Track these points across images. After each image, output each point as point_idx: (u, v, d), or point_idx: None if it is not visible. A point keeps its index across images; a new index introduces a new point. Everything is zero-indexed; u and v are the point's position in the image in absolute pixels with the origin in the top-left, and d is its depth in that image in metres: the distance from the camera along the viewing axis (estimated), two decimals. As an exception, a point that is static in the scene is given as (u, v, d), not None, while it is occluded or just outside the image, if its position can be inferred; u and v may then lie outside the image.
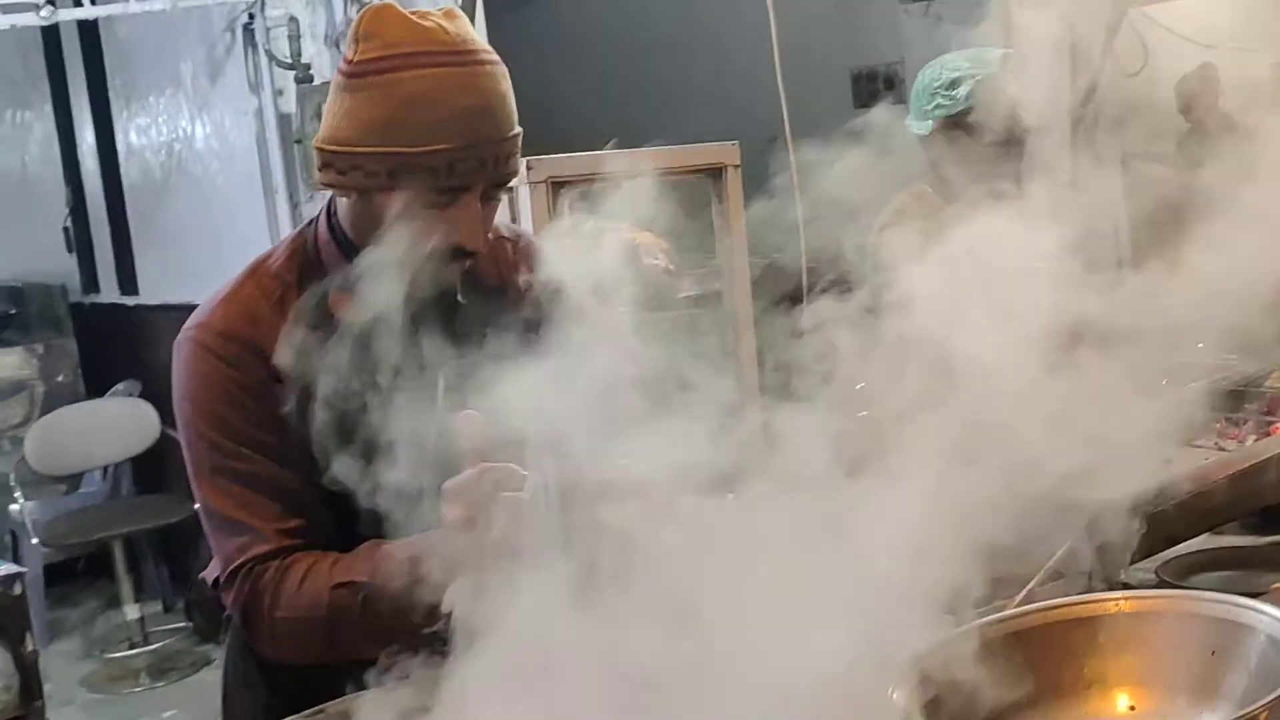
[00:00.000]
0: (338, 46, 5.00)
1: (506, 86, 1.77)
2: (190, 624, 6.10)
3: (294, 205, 5.12)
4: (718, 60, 6.65)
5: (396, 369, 1.83)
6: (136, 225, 6.47)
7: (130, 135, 6.32)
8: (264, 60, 4.99)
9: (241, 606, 1.79)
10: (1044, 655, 1.49)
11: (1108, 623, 1.51)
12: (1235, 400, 2.73)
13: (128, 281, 6.68)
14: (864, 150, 1.97)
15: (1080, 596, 1.60)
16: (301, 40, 4.82)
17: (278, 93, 5.02)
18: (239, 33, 5.11)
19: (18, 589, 2.65)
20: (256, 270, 1.89)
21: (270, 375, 1.78)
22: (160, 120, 5.99)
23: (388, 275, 1.77)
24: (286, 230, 5.04)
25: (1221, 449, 2.59)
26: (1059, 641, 1.50)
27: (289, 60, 4.83)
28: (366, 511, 1.75)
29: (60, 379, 6.70)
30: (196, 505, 1.89)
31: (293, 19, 4.82)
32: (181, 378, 1.86)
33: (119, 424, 5.91)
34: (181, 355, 1.86)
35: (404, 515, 1.77)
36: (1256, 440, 2.56)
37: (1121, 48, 6.98)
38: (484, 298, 1.91)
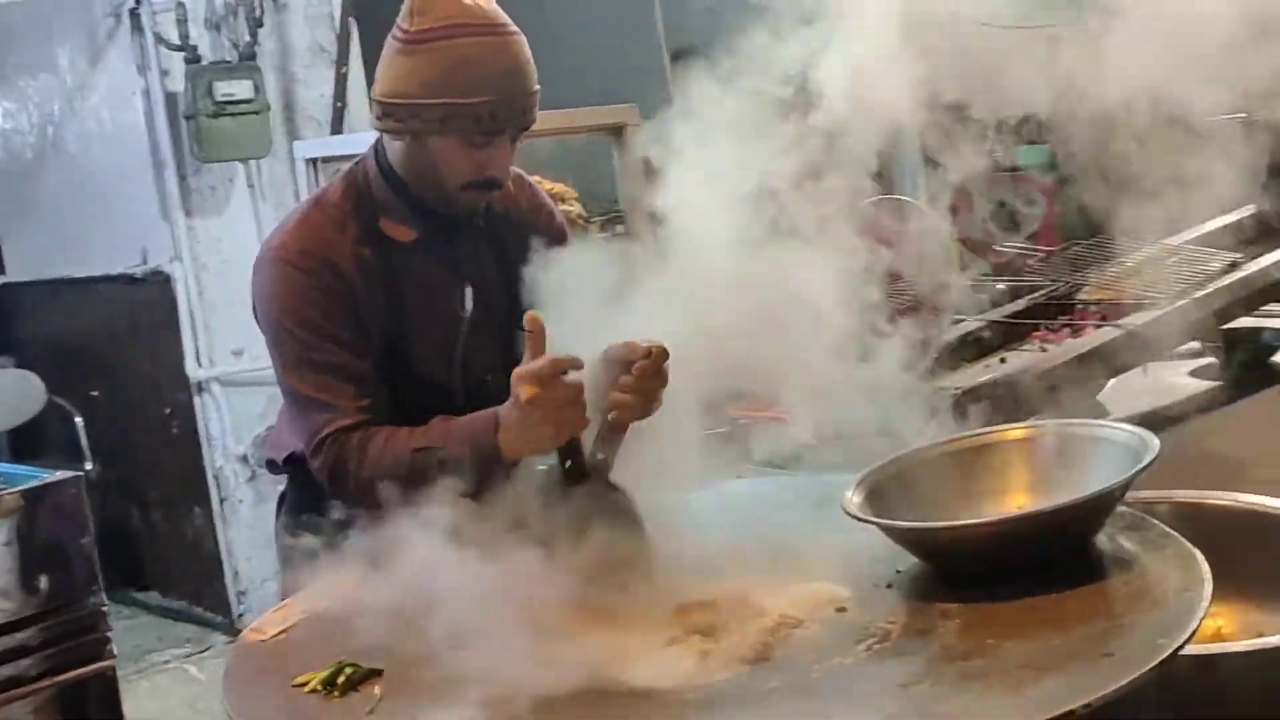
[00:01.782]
0: (219, 29, 5.37)
1: (529, 53, 2.24)
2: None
3: (182, 178, 5.45)
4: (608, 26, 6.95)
5: (435, 279, 2.32)
6: (4, 206, 6.63)
7: (-3, 118, 6.50)
8: (150, 42, 5.31)
9: (329, 470, 2.18)
10: (959, 470, 2.07)
11: (1002, 446, 2.10)
12: (1054, 311, 3.39)
13: (-9, 261, 6.83)
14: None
15: (982, 429, 2.20)
16: (188, 24, 5.18)
17: (164, 73, 5.35)
18: (125, 17, 5.40)
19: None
20: (320, 202, 2.33)
21: (341, 283, 2.23)
22: (31, 104, 6.19)
23: (432, 201, 2.27)
24: (177, 201, 5.42)
25: (1044, 349, 3.23)
26: (969, 460, 2.08)
27: (178, 43, 5.17)
28: (424, 391, 2.24)
29: (-78, 358, 6.82)
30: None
31: (180, 4, 5.17)
32: (266, 289, 2.27)
33: (4, 394, 6.08)
34: (265, 271, 2.28)
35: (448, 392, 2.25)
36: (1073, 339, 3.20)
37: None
38: (498, 221, 2.40)
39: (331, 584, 2.03)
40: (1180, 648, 1.47)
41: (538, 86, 2.25)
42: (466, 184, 2.26)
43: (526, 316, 1.98)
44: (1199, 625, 1.53)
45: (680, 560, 1.93)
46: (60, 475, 3.13)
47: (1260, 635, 2.06)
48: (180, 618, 5.65)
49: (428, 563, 1.97)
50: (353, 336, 2.23)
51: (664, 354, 1.97)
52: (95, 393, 6.25)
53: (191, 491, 5.75)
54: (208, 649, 5.46)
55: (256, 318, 2.34)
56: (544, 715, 1.59)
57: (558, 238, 2.43)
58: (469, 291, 2.35)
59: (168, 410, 5.78)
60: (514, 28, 2.23)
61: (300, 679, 1.71)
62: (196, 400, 5.57)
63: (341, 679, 1.69)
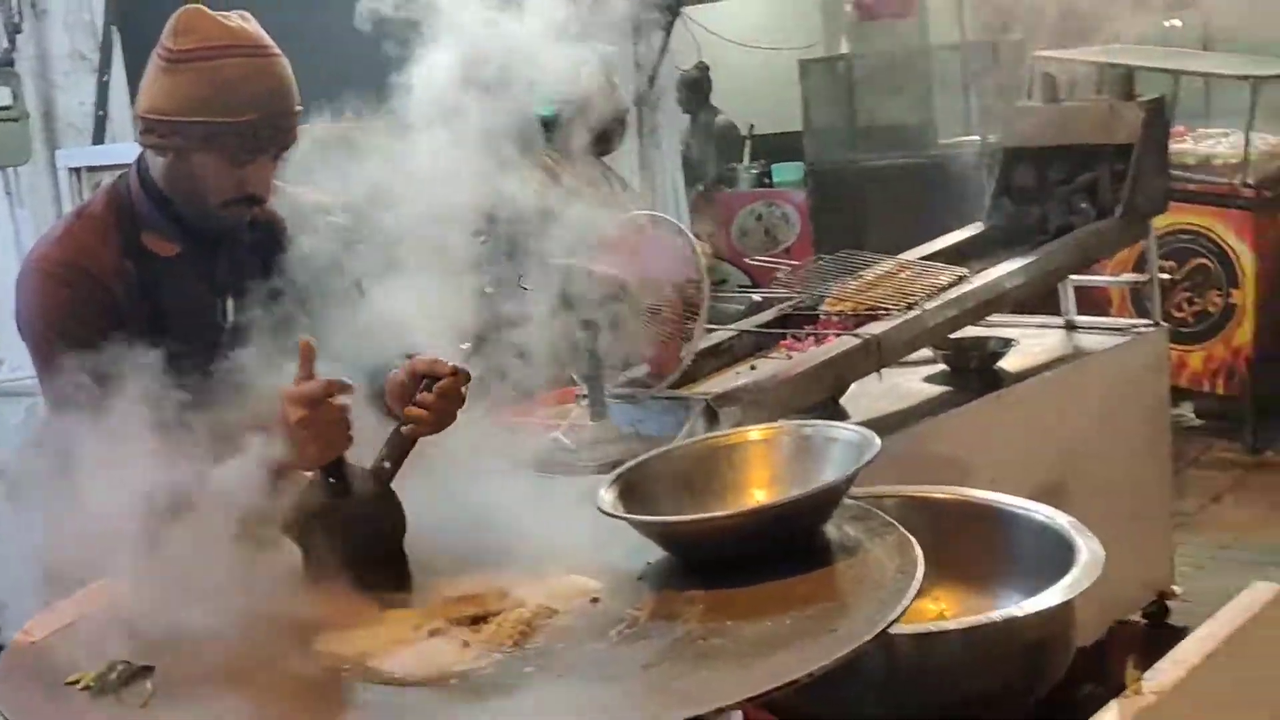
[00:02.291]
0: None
1: (290, 73, 2.31)
2: None
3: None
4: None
5: (196, 292, 2.37)
6: None
7: None
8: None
9: None
10: (704, 469, 2.23)
11: (743, 447, 2.26)
12: (801, 321, 3.60)
13: None
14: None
15: (726, 431, 2.36)
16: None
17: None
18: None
19: None
20: (82, 214, 2.37)
21: (104, 295, 2.27)
22: None
23: (194, 216, 2.32)
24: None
25: (790, 356, 3.43)
26: (713, 459, 2.24)
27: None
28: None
29: None
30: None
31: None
32: (29, 301, 2.30)
33: None
34: (28, 283, 2.30)
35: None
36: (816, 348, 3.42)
37: (677, 45, 7.92)
38: (261, 234, 2.45)
39: (99, 588, 2.07)
40: (893, 622, 1.64)
41: (300, 106, 2.33)
42: (228, 200, 2.32)
43: (301, 342, 2.05)
44: (911, 603, 1.70)
45: (446, 558, 2.04)
46: None
47: (977, 616, 2.27)
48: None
49: (194, 565, 2.05)
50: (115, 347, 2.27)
51: (467, 377, 2.09)
52: None
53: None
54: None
55: (20, 328, 2.35)
56: (304, 704, 1.69)
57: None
58: (230, 304, 2.41)
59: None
60: (276, 49, 2.30)
61: (72, 678, 1.75)
62: (-48, 410, 5.39)
63: (114, 676, 1.73)
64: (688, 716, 1.48)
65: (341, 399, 2.02)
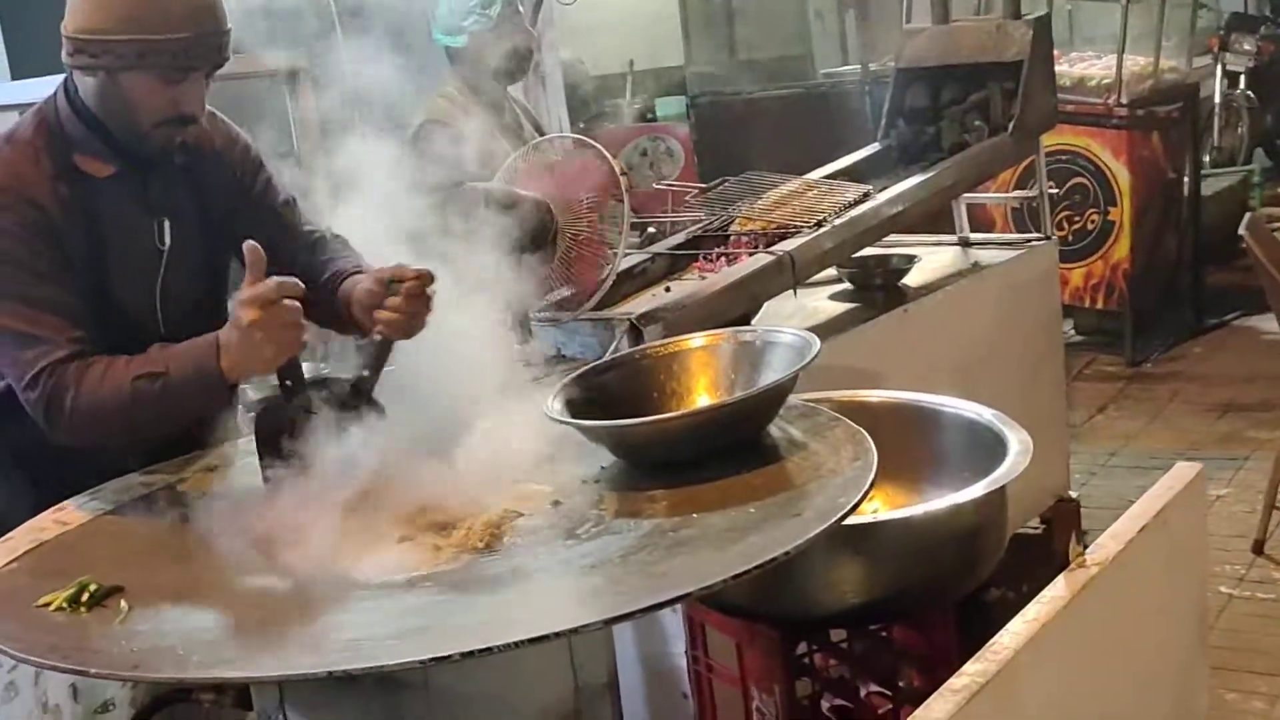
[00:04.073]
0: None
1: None
2: None
3: None
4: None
5: (132, 213, 2.35)
6: None
7: None
8: None
9: (45, 402, 2.16)
10: (646, 378, 2.28)
11: (684, 354, 2.31)
12: (710, 243, 3.65)
13: None
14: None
15: (666, 340, 2.41)
16: None
17: None
18: None
19: None
20: (11, 139, 2.31)
21: (41, 216, 2.23)
22: None
23: (127, 138, 2.30)
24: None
25: (703, 277, 3.48)
26: (656, 367, 2.29)
27: None
28: (126, 325, 2.28)
29: None
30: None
31: None
32: None
33: None
34: None
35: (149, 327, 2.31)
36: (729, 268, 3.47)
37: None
38: (194, 156, 2.44)
39: (51, 514, 2.07)
40: (860, 501, 1.72)
41: (230, 26, 2.31)
42: (161, 121, 2.30)
43: (246, 246, 2.06)
44: (873, 484, 1.77)
45: (415, 469, 2.04)
46: None
47: (911, 510, 2.35)
48: None
49: (146, 483, 2.06)
50: (57, 270, 2.24)
51: (430, 277, 2.12)
52: None
53: None
54: None
55: None
56: (277, 609, 1.72)
57: (253, 169, 2.51)
58: (166, 226, 2.39)
59: None
60: None
61: (43, 599, 1.75)
62: None
63: (85, 596, 1.74)
64: (674, 596, 1.53)
65: (292, 301, 2.02)
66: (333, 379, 2.15)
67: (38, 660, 1.64)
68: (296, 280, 2.05)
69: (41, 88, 2.45)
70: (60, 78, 2.37)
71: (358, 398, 2.11)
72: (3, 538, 2.02)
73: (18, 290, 2.21)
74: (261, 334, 2.02)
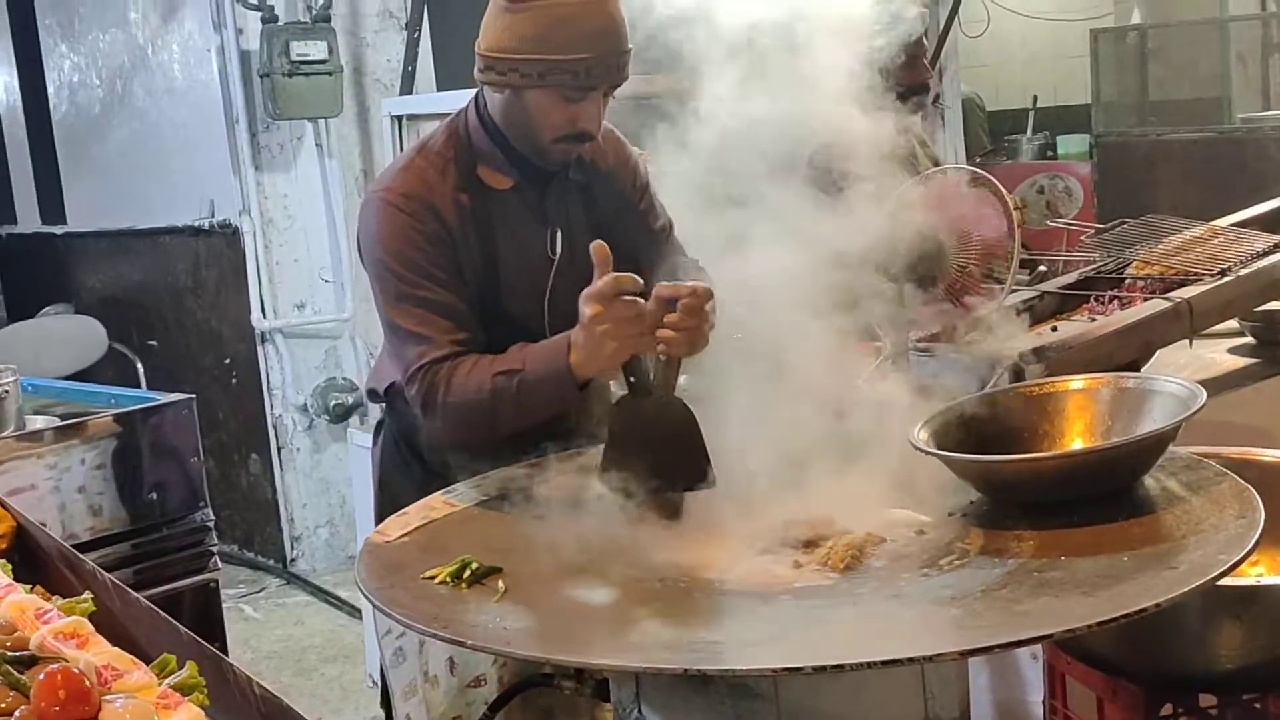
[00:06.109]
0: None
1: (622, 13, 2.39)
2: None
3: (253, 134, 5.61)
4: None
5: (526, 224, 2.49)
6: (66, 158, 6.81)
7: (62, 73, 6.66)
8: (227, 1, 5.47)
9: (421, 398, 2.33)
10: (1019, 415, 2.23)
11: (1061, 395, 2.26)
12: (1103, 285, 3.53)
13: (51, 212, 7.02)
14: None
15: (1044, 379, 2.36)
16: (267, -15, 5.35)
17: (239, 31, 5.52)
18: (203, -24, 5.58)
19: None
20: (423, 149, 2.50)
21: (440, 225, 2.40)
22: (100, 58, 6.36)
23: (527, 151, 2.44)
24: (248, 157, 5.58)
25: (1093, 319, 3.38)
26: (1030, 406, 2.24)
27: (255, 3, 5.34)
28: (515, 331, 2.41)
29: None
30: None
31: (259, -33, 5.34)
32: (371, 229, 2.44)
33: (67, 339, 6.25)
34: (370, 212, 2.44)
35: (536, 333, 2.43)
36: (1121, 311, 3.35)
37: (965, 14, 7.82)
38: (588, 171, 2.56)
39: (442, 495, 2.21)
40: (1241, 560, 1.63)
41: (630, 46, 2.41)
42: (559, 137, 2.41)
43: (593, 245, 2.16)
44: (1256, 544, 1.69)
45: (765, 487, 2.09)
46: (175, 397, 3.28)
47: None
48: (234, 561, 5.82)
49: (529, 474, 2.18)
50: (449, 276, 2.39)
51: (707, 294, 2.15)
52: (153, 341, 6.44)
53: (250, 439, 5.93)
54: (261, 590, 5.64)
55: (361, 256, 2.51)
56: (643, 605, 1.77)
57: (641, 187, 2.62)
58: (558, 236, 2.51)
59: (227, 360, 5.96)
60: None
61: (428, 572, 1.88)
62: (259, 350, 5.73)
63: (467, 573, 1.85)
64: (1035, 636, 1.51)
65: (632, 297, 2.10)
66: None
67: (421, 627, 1.75)
68: (634, 276, 2.13)
69: (460, 100, 2.61)
70: (474, 92, 2.52)
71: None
72: (398, 513, 2.18)
73: (411, 292, 2.37)
74: (602, 328, 2.12)
